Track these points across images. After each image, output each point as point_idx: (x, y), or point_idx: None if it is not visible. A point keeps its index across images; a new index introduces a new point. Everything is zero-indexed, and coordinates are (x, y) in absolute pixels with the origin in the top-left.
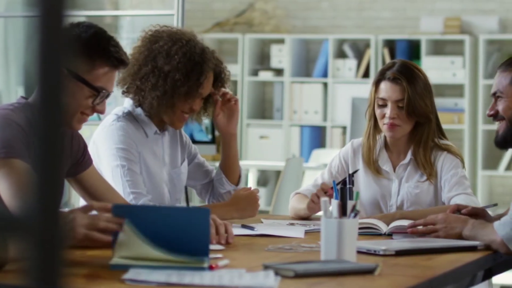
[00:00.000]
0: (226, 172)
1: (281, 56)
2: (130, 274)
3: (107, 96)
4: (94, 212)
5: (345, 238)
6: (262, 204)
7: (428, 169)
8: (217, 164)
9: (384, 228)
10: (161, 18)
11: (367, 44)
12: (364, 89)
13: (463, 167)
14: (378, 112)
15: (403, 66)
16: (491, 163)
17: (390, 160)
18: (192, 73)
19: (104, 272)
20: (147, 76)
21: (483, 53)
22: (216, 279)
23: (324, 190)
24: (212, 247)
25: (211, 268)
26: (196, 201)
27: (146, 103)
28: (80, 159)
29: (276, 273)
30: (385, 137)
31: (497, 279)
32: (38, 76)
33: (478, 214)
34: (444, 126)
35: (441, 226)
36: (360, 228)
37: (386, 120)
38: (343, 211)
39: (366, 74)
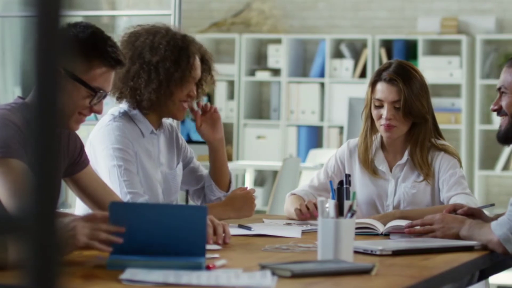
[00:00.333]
0: (216, 179)
1: (278, 56)
2: (127, 274)
3: (105, 96)
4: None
5: (342, 238)
6: (259, 204)
7: (425, 169)
8: None
9: (381, 228)
10: (158, 18)
11: (364, 44)
12: (361, 89)
13: (461, 166)
14: (374, 113)
15: (399, 66)
16: (488, 163)
17: (386, 160)
18: (181, 58)
19: (101, 272)
20: (138, 74)
21: (480, 53)
22: (213, 279)
23: (308, 208)
24: (209, 247)
25: (208, 268)
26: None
27: (144, 100)
28: (77, 159)
29: (273, 273)
30: (381, 137)
31: (494, 279)
32: (35, 76)
33: (474, 214)
34: (441, 126)
35: (438, 226)
36: (357, 228)
37: (382, 121)
38: (340, 211)
39: (363, 74)
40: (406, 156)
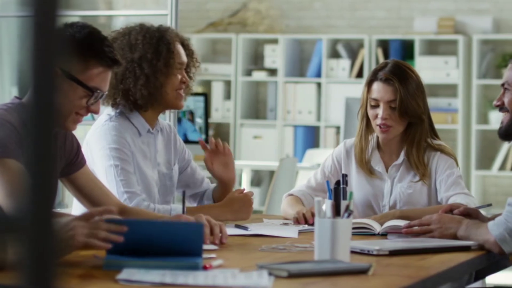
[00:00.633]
0: (218, 201)
1: (274, 56)
2: (124, 274)
3: (101, 96)
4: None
5: (339, 238)
6: (256, 204)
7: (421, 169)
8: None
9: (377, 228)
10: (155, 18)
11: (360, 44)
12: (358, 89)
13: (458, 166)
14: (370, 113)
15: (396, 66)
16: (485, 163)
17: (382, 161)
18: (160, 47)
19: (98, 272)
20: (125, 74)
21: (476, 53)
22: (210, 279)
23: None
24: (206, 247)
25: (205, 268)
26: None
27: (138, 99)
28: (73, 159)
29: (270, 273)
30: (377, 137)
31: (490, 279)
32: (31, 76)
33: (470, 214)
34: (438, 126)
35: (436, 227)
36: (353, 228)
37: (378, 121)
38: (336, 211)
39: (359, 74)
40: (402, 156)
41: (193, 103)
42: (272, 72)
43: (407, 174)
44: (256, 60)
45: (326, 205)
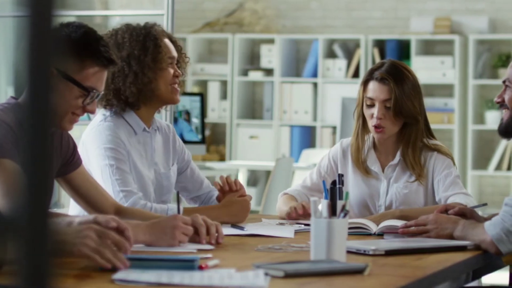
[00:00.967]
0: None
1: (271, 56)
2: (120, 274)
3: (97, 96)
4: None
5: (335, 238)
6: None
7: (417, 169)
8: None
9: (373, 228)
10: (151, 18)
11: (357, 44)
12: (354, 89)
13: (455, 166)
14: (366, 112)
15: (392, 66)
16: (481, 163)
17: (378, 161)
18: (147, 42)
19: (94, 272)
20: (115, 74)
21: (473, 53)
22: (206, 279)
23: (298, 210)
24: (202, 247)
25: (201, 268)
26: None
27: (128, 96)
28: (69, 159)
29: (266, 273)
30: (373, 137)
31: (487, 279)
32: (27, 76)
33: (466, 214)
34: (434, 126)
35: (432, 227)
36: (350, 228)
37: (374, 121)
38: (332, 211)
39: (356, 74)
40: (398, 156)
41: (189, 103)
42: (269, 72)
43: (403, 174)
44: (252, 60)
45: (322, 205)
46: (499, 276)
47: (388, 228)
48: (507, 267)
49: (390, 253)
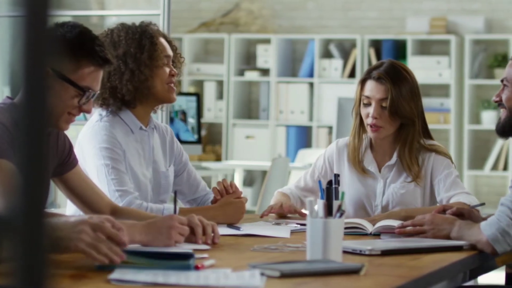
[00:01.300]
0: None
1: (267, 56)
2: (116, 274)
3: (93, 95)
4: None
5: (331, 238)
6: (248, 204)
7: (413, 170)
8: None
9: (370, 228)
10: (147, 18)
11: (353, 44)
12: (350, 89)
13: (454, 165)
14: (363, 111)
15: (391, 66)
16: (477, 163)
17: (375, 161)
18: (143, 40)
19: (90, 272)
20: (111, 72)
21: (469, 53)
22: (202, 279)
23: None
24: (198, 247)
25: (197, 268)
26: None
27: (124, 93)
28: (65, 159)
29: (262, 273)
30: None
31: (482, 279)
32: (23, 76)
33: (463, 214)
34: (430, 126)
35: (429, 228)
36: (346, 228)
37: (369, 120)
38: (328, 211)
39: (352, 74)
40: (395, 157)
41: (185, 103)
42: (265, 72)
43: (400, 174)
44: (248, 60)
45: (318, 205)
46: (495, 276)
47: (384, 228)
48: (503, 267)
49: (386, 253)
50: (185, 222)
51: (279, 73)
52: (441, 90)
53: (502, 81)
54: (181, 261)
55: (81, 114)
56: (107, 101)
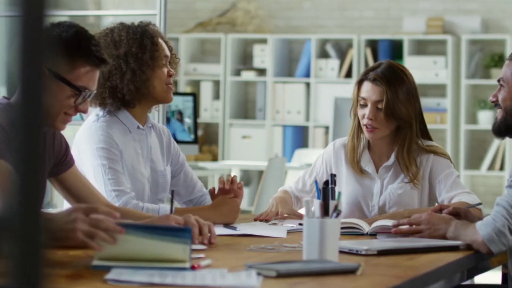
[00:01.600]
0: None
1: (263, 56)
2: (113, 274)
3: (90, 95)
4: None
5: (327, 238)
6: (244, 204)
7: (411, 171)
8: (199, 164)
9: (366, 228)
10: (143, 18)
11: (349, 44)
12: (347, 89)
13: (453, 165)
14: (359, 112)
15: (388, 68)
16: (474, 163)
17: (372, 161)
18: (145, 40)
19: (86, 272)
20: (111, 71)
21: (465, 53)
22: (199, 279)
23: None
24: (194, 247)
25: (193, 268)
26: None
27: (125, 94)
28: (62, 159)
29: (258, 273)
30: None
31: (479, 279)
32: (19, 76)
33: (459, 214)
34: (427, 126)
35: (425, 227)
36: (342, 228)
37: (365, 121)
38: (325, 211)
39: (348, 74)
40: (393, 158)
41: (182, 103)
42: (261, 72)
43: (398, 175)
44: (245, 60)
45: (315, 205)
46: (492, 275)
47: (381, 228)
48: (499, 266)
49: (382, 253)
50: (181, 222)
51: (275, 73)
52: (438, 90)
53: (498, 81)
54: (179, 232)
55: (78, 114)
56: (105, 100)
